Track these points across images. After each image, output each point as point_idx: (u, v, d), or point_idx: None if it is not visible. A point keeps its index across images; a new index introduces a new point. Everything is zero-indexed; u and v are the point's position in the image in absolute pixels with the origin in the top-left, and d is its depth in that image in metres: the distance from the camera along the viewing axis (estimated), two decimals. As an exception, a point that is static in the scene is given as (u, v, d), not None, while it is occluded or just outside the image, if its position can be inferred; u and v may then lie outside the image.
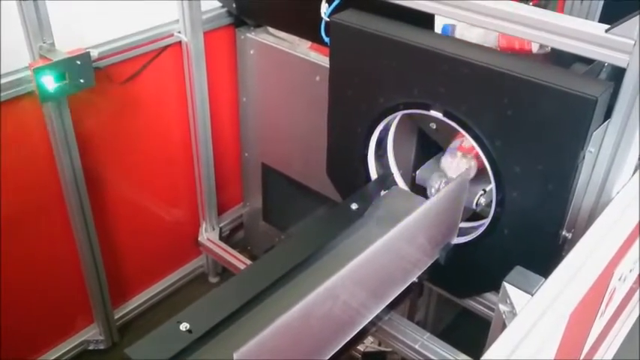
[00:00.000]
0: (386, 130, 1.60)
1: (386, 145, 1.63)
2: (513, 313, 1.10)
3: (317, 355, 1.09)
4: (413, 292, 2.03)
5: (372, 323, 1.35)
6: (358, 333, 1.26)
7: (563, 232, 1.33)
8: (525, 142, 1.28)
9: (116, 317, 2.31)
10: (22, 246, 1.94)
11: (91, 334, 2.25)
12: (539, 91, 1.21)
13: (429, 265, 1.35)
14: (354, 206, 1.45)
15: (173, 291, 2.49)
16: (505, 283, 1.12)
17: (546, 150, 1.25)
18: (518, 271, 1.15)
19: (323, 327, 1.06)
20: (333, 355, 1.14)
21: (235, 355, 0.86)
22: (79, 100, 1.81)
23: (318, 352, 1.09)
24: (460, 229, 1.49)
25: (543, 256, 1.32)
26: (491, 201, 1.45)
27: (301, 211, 2.33)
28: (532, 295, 1.06)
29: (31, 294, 2.04)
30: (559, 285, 0.99)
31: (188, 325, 1.12)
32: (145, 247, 2.34)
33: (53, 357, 2.16)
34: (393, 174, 1.62)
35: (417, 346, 1.35)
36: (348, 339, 1.16)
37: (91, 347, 2.26)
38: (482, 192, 1.53)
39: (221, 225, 2.54)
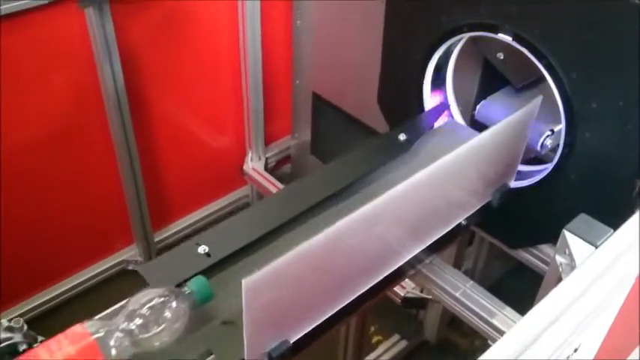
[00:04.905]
0: (446, 56, 1.44)
1: (445, 75, 1.47)
2: (572, 266, 0.97)
3: (343, 289, 0.98)
4: (461, 239, 1.91)
5: (411, 265, 1.23)
6: (395, 274, 1.16)
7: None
8: (606, 73, 1.11)
9: (156, 240, 2.29)
10: (64, 161, 1.91)
11: (131, 254, 2.24)
12: (630, 11, 1.02)
13: (479, 206, 1.21)
14: (402, 137, 1.31)
15: (216, 219, 2.44)
16: (565, 232, 0.97)
17: (630, 83, 1.07)
18: (583, 219, 1.00)
19: (352, 259, 0.95)
20: (367, 293, 1.04)
21: (244, 282, 0.76)
22: (123, 9, 1.72)
23: (345, 286, 0.99)
24: (518, 172, 1.34)
25: (613, 206, 1.15)
26: (557, 145, 1.29)
27: (351, 146, 2.20)
28: (596, 247, 0.91)
29: (73, 211, 2.03)
30: (630, 238, 0.84)
31: (207, 248, 1.04)
32: (189, 172, 2.29)
33: (92, 273, 2.16)
34: (450, 105, 1.47)
35: (457, 294, 1.23)
36: (382, 277, 1.05)
37: (130, 267, 2.25)
38: (550, 132, 1.36)
39: (267, 155, 2.45)
